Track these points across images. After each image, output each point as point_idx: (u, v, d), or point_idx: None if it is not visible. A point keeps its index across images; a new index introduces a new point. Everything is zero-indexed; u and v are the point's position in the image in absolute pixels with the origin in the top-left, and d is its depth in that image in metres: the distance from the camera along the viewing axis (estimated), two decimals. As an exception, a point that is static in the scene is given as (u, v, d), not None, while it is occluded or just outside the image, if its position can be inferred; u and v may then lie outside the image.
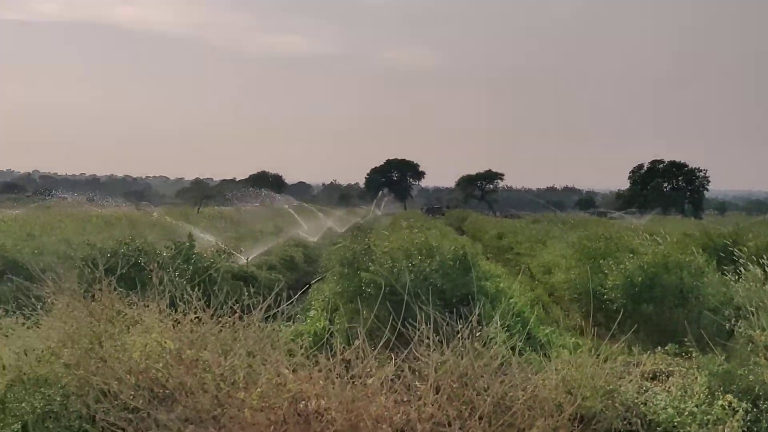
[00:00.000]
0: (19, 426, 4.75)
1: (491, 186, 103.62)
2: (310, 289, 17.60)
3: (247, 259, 15.01)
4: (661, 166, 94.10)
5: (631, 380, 5.71)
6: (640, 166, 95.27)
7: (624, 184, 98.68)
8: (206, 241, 15.57)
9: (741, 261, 9.58)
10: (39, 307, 5.92)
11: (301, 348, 5.19)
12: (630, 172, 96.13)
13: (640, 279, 12.06)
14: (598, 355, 5.49)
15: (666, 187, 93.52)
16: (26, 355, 5.21)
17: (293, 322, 9.94)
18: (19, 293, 6.53)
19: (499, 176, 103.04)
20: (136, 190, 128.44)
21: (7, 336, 5.52)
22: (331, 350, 5.21)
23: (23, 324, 5.78)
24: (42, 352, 5.24)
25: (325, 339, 8.32)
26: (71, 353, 5.10)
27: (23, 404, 4.83)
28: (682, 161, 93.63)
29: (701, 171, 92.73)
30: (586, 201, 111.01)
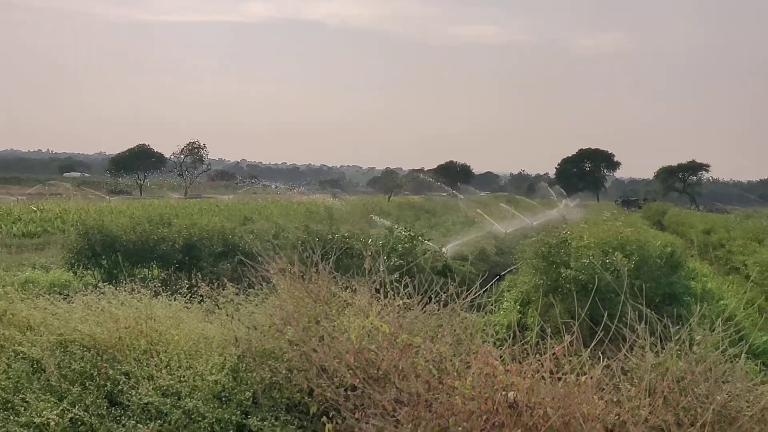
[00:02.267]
0: (250, 394, 5.22)
1: (695, 178, 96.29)
2: (502, 281, 17.52)
3: (442, 249, 15.28)
4: None
5: None
6: None
7: None
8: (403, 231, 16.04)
9: None
10: (263, 286, 6.46)
11: (503, 340, 5.20)
12: None
13: None
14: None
15: None
16: (255, 329, 5.71)
17: (485, 313, 9.96)
18: (244, 272, 7.17)
19: (704, 167, 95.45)
20: (331, 179, 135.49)
21: (238, 311, 6.08)
22: (525, 343, 5.17)
23: (252, 301, 6.34)
24: (268, 328, 5.71)
25: (524, 332, 8.23)
26: (293, 330, 5.51)
27: (253, 374, 5.31)
28: None
29: None
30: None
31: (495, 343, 5.26)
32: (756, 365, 9.13)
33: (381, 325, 4.89)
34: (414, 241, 13.01)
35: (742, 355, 5.26)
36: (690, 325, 5.07)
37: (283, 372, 5.29)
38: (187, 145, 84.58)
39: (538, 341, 4.99)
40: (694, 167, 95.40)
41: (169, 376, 5.17)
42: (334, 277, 6.39)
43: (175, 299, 6.61)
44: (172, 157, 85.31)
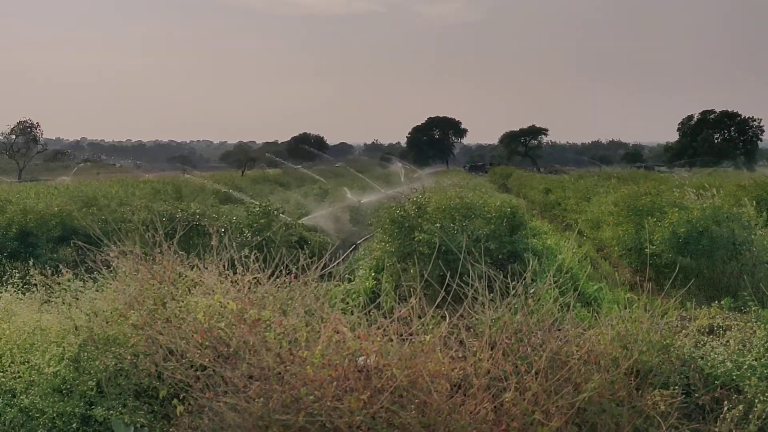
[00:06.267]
0: (94, 383, 4.99)
1: (535, 141, 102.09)
2: (358, 249, 17.78)
3: (297, 221, 15.24)
4: (712, 116, 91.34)
5: (687, 335, 5.70)
6: (690, 117, 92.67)
7: (673, 137, 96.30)
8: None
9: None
10: (105, 270, 6.15)
11: (354, 307, 5.32)
12: (679, 124, 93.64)
13: (688, 233, 11.85)
14: (652, 310, 5.47)
15: (717, 138, 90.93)
16: (96, 316, 5.44)
17: (342, 282, 10.08)
18: (84, 257, 6.79)
19: (543, 131, 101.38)
20: (180, 155, 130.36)
21: (77, 298, 5.75)
22: (379, 308, 5.31)
23: (91, 287, 6.01)
24: (110, 313, 5.46)
25: (378, 299, 8.46)
26: (138, 314, 5.31)
27: (96, 362, 5.07)
28: (735, 111, 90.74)
29: (755, 120, 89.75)
30: (633, 155, 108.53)
31: (352, 311, 5.36)
32: (588, 312, 9.93)
33: (228, 303, 4.82)
34: (269, 216, 12.89)
35: (571, 304, 5.71)
36: (524, 279, 5.39)
37: (129, 358, 5.10)
38: (18, 124, 78.09)
39: (393, 306, 5.14)
40: (534, 131, 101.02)
41: (0, 374, 4.82)
42: (181, 257, 6.22)
43: (5, 290, 6.14)
44: (1, 137, 78.41)
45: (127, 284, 5.80)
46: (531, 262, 6.40)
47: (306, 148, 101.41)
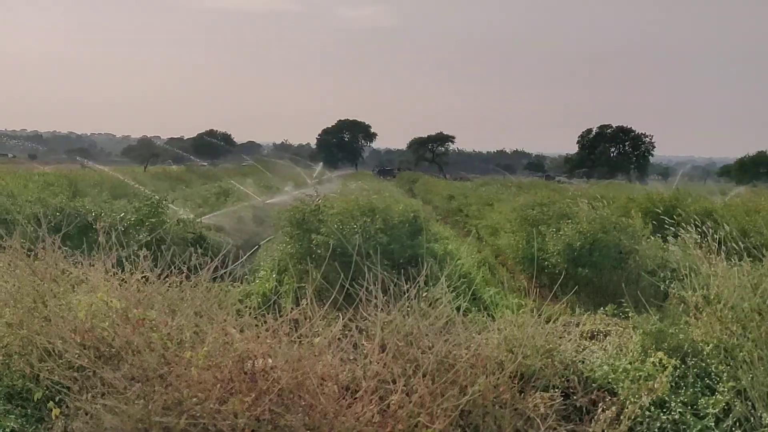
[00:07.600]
0: (-40, 385, 4.70)
1: (442, 148, 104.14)
2: (260, 250, 17.52)
3: (195, 219, 14.84)
4: (609, 131, 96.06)
5: (571, 339, 5.94)
6: (589, 131, 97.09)
7: (573, 149, 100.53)
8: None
9: (679, 225, 9.89)
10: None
11: (249, 308, 5.23)
12: (579, 137, 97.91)
13: (579, 244, 12.32)
14: (540, 315, 5.67)
15: (613, 151, 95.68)
16: (-35, 314, 5.13)
17: (242, 283, 9.89)
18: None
19: (450, 139, 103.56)
20: (80, 148, 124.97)
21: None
22: (279, 311, 5.26)
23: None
24: (-19, 311, 5.15)
25: (273, 300, 8.35)
26: (13, 312, 5.03)
27: (-37, 364, 4.78)
28: (630, 126, 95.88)
29: (647, 136, 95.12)
30: (535, 164, 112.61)
31: (250, 313, 5.27)
32: (484, 316, 10.16)
33: (111, 301, 4.64)
34: (158, 208, 12.43)
35: (463, 307, 5.85)
36: (417, 282, 5.47)
37: (0, 358, 4.83)
38: None
39: (292, 307, 5.09)
40: (442, 138, 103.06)
41: None
42: (66, 253, 5.94)
43: None
44: None
45: (5, 281, 5.49)
46: (427, 266, 6.48)
47: (214, 143, 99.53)
